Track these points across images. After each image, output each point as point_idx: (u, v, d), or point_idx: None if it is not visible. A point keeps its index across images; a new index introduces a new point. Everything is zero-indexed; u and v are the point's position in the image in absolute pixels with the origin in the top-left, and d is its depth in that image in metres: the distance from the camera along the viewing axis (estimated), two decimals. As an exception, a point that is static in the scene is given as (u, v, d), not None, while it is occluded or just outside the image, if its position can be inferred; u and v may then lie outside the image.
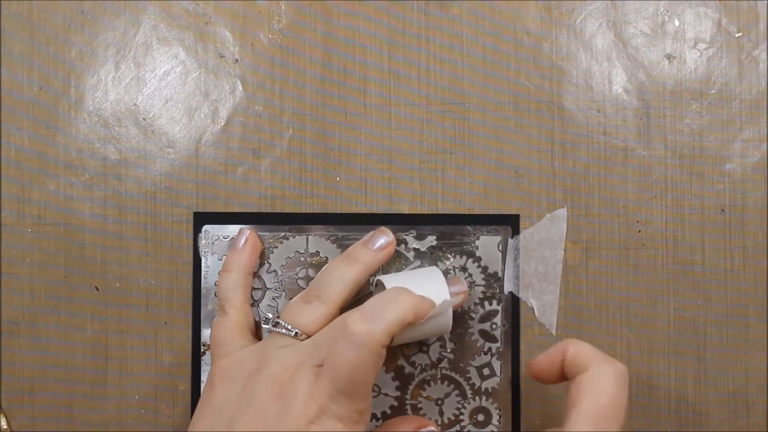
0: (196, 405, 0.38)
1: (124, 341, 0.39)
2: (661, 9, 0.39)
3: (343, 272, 0.35)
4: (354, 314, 0.31)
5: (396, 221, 0.39)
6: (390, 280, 0.35)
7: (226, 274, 0.37)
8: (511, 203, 0.39)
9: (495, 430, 0.39)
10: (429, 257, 0.39)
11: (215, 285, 0.39)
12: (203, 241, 0.39)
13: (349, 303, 0.35)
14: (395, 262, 0.38)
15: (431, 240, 0.39)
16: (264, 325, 0.38)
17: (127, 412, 0.39)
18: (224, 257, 0.38)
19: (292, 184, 0.39)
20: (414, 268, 0.38)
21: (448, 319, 0.35)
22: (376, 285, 0.37)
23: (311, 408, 0.30)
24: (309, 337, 0.33)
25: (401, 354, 0.38)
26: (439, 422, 0.38)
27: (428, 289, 0.34)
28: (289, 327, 0.33)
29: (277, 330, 0.34)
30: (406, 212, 0.39)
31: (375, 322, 0.30)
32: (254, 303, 0.38)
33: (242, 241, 0.37)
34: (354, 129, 0.39)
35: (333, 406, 0.30)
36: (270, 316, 0.38)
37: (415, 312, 0.32)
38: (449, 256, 0.39)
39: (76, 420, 0.39)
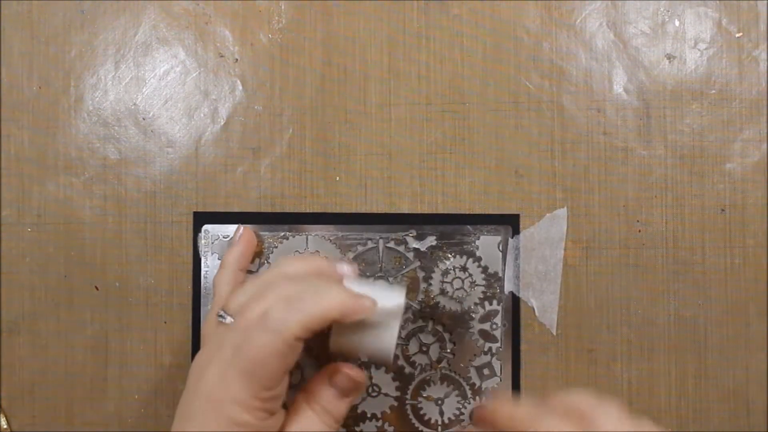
0: (196, 405, 0.38)
1: (124, 340, 0.39)
2: (662, 9, 0.39)
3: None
4: (278, 302, 0.30)
5: (396, 221, 0.39)
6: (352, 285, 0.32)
7: (218, 271, 0.37)
8: (511, 203, 0.39)
9: (495, 429, 0.39)
10: (429, 257, 0.39)
11: (215, 285, 0.39)
12: (203, 241, 0.39)
13: None
14: (395, 262, 0.39)
15: (431, 240, 0.39)
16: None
17: (127, 412, 0.39)
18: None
19: (292, 183, 0.39)
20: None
21: (390, 338, 0.31)
22: None
23: (217, 393, 0.29)
24: None
25: (401, 354, 0.39)
26: (440, 422, 0.38)
27: (382, 299, 0.31)
28: (223, 314, 0.32)
29: (220, 319, 0.32)
30: (406, 212, 0.39)
31: (293, 312, 0.29)
32: None
33: (236, 239, 0.37)
34: (354, 129, 0.39)
35: (236, 390, 0.29)
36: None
37: (343, 309, 0.30)
38: (449, 255, 0.39)
39: (76, 419, 0.39)
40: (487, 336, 0.39)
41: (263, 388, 0.29)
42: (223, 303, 0.34)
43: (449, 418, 0.39)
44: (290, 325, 0.29)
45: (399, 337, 0.32)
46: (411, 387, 0.38)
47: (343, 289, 0.31)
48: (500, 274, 0.39)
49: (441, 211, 0.39)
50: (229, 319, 0.32)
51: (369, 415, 0.38)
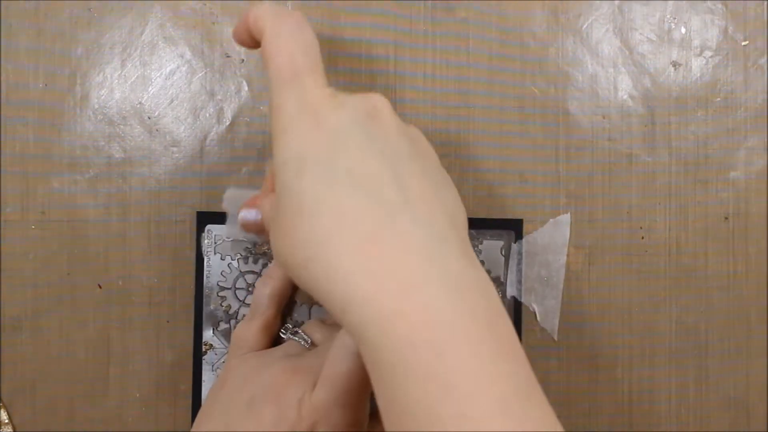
0: (196, 404, 0.38)
1: (126, 339, 0.39)
2: (668, 16, 0.39)
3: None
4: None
5: (399, 224, 0.39)
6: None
7: (266, 280, 0.37)
8: (514, 208, 0.39)
9: (495, 433, 0.39)
10: (432, 260, 0.39)
11: (218, 285, 0.39)
12: (206, 241, 0.39)
13: None
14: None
15: (435, 243, 0.39)
16: (281, 334, 0.37)
17: (128, 410, 0.39)
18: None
19: (296, 185, 0.39)
20: None
21: None
22: None
23: (304, 419, 0.30)
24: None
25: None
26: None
27: None
28: (305, 337, 0.33)
29: (294, 339, 0.34)
30: (410, 215, 0.39)
31: None
32: None
33: None
34: (359, 131, 0.39)
35: (326, 417, 0.30)
36: (290, 325, 0.38)
37: None
38: (452, 259, 0.39)
39: (77, 417, 0.39)
40: (488, 340, 0.39)
41: (354, 411, 0.31)
42: (267, 318, 0.36)
43: (450, 422, 0.39)
44: None
45: None
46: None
47: None
48: (502, 279, 0.39)
49: (445, 214, 0.39)
50: (303, 343, 0.34)
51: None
